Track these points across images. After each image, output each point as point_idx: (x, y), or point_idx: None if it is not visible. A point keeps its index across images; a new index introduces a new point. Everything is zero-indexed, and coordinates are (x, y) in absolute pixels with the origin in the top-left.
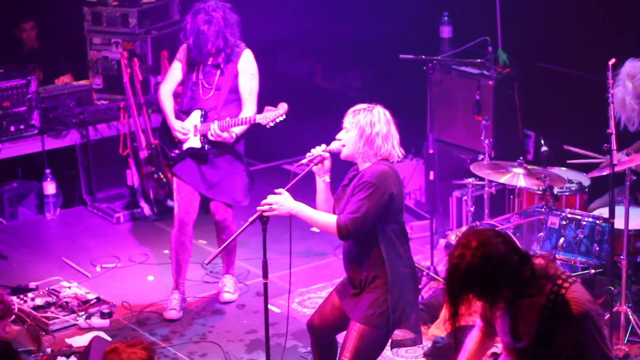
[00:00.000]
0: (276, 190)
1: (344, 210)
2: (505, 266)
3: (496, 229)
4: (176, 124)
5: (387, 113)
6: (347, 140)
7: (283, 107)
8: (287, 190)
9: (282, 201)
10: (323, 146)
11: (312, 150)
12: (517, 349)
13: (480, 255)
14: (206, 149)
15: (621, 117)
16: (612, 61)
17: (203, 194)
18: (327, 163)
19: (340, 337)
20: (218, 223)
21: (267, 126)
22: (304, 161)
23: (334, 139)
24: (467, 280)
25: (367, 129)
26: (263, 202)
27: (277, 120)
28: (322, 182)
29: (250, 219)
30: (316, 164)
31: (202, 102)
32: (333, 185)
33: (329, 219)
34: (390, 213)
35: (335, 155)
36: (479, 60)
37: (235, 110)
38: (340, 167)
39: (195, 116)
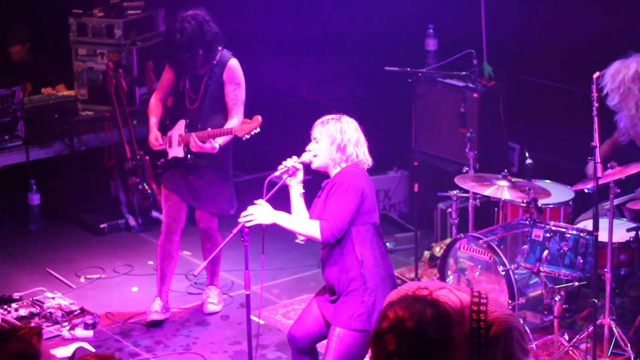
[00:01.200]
0: (255, 202)
1: (321, 215)
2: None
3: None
4: (151, 134)
5: (355, 122)
6: (318, 150)
7: (257, 119)
8: (266, 201)
9: (260, 210)
10: (295, 158)
11: (285, 163)
12: None
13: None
14: (189, 158)
15: (605, 87)
16: (596, 74)
17: (188, 202)
18: (300, 174)
19: (321, 347)
20: (203, 231)
21: (243, 138)
22: (276, 173)
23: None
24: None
25: (338, 137)
26: (244, 213)
27: (252, 133)
28: (297, 193)
29: (234, 231)
30: (290, 175)
31: (188, 112)
32: (308, 199)
33: (312, 224)
34: (363, 213)
35: (309, 169)
36: (464, 72)
37: (221, 121)
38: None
39: (180, 126)
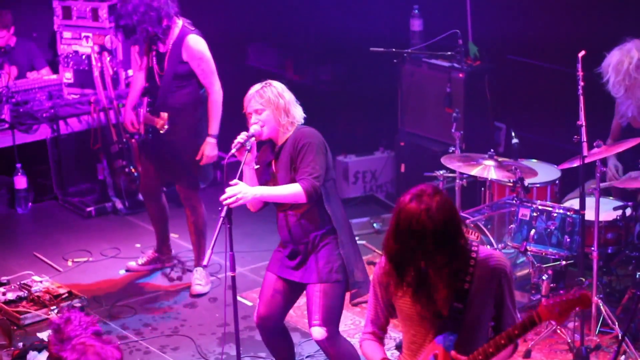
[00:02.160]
0: (231, 182)
1: (286, 180)
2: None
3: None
4: (126, 119)
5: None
6: (265, 120)
7: (163, 117)
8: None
9: (242, 189)
10: (244, 133)
11: (238, 139)
12: (437, 320)
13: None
14: (150, 137)
15: (609, 79)
16: (581, 53)
17: (164, 177)
18: (254, 149)
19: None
20: (184, 203)
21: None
22: (233, 151)
23: (308, 131)
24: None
25: (280, 101)
26: (224, 196)
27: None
28: (251, 170)
29: (222, 215)
30: (248, 150)
31: (155, 89)
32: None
33: (294, 189)
34: (327, 169)
35: None
36: (449, 53)
37: (183, 97)
38: None
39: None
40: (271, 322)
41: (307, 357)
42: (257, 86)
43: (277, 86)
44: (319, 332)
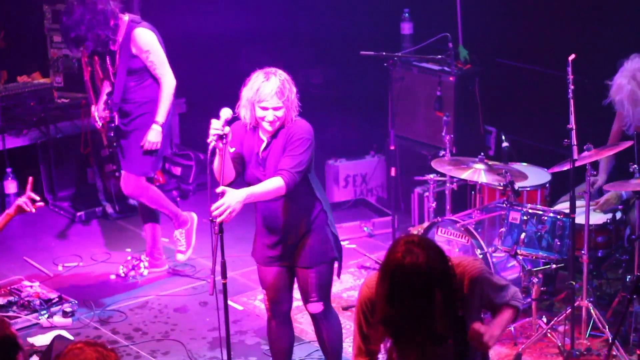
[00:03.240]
0: (217, 191)
1: (276, 167)
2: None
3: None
4: (95, 114)
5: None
6: (280, 117)
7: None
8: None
9: (231, 200)
10: (218, 122)
11: (214, 129)
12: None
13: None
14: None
15: (628, 110)
16: (572, 57)
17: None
18: (230, 134)
19: None
20: (129, 197)
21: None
22: (213, 143)
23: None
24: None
25: (295, 99)
26: (215, 211)
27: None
28: (228, 151)
29: (216, 230)
30: (226, 142)
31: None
32: None
33: (275, 184)
34: (311, 161)
35: None
36: (439, 56)
37: (145, 91)
38: None
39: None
40: (284, 305)
41: None
42: (274, 80)
43: (288, 80)
44: (316, 307)
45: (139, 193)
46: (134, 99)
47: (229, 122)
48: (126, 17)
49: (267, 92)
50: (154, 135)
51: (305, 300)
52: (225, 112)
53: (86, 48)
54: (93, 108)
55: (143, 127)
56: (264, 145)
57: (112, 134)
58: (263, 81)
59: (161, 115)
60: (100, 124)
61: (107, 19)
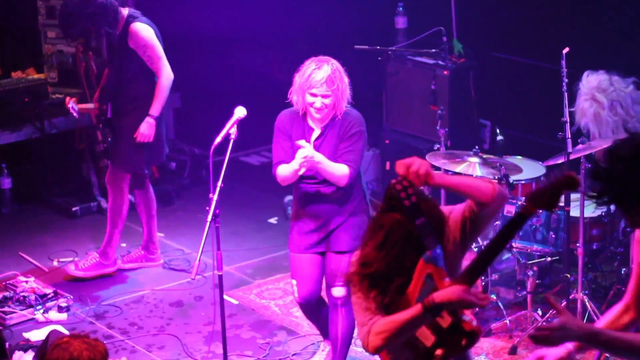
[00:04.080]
0: (300, 142)
1: (330, 158)
2: None
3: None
4: (70, 105)
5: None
6: (328, 105)
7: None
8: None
9: (311, 152)
10: (308, 147)
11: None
12: None
13: None
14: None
15: (594, 133)
16: (565, 50)
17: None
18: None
19: None
20: (109, 185)
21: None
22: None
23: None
24: None
25: (346, 90)
26: (303, 152)
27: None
28: None
29: (208, 220)
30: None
31: (110, 82)
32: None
33: (343, 171)
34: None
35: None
36: (434, 50)
37: (133, 87)
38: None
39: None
40: (314, 298)
41: (293, 354)
42: (326, 69)
43: (341, 70)
44: (340, 291)
45: (114, 188)
46: (128, 93)
47: (239, 121)
48: (125, 11)
49: (318, 79)
50: (146, 128)
51: (331, 284)
52: (239, 111)
53: (83, 41)
54: (68, 100)
55: (134, 123)
56: (315, 134)
57: (102, 127)
58: (314, 69)
59: (155, 108)
60: (78, 117)
61: (107, 12)
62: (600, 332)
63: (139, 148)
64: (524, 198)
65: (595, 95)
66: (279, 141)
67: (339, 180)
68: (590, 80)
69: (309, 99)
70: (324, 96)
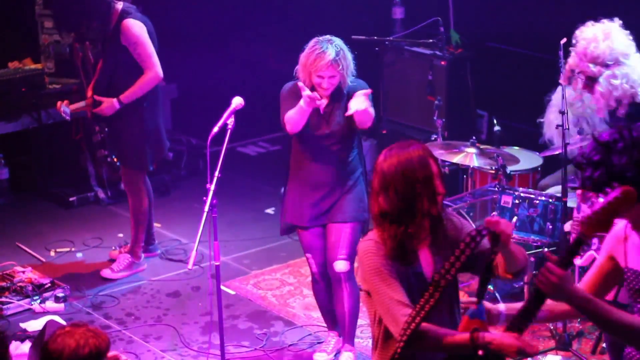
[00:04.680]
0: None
1: (339, 123)
2: None
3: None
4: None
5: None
6: (334, 84)
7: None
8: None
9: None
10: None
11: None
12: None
13: None
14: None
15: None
16: (563, 40)
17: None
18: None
19: None
20: (125, 187)
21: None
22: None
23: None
24: None
25: (350, 66)
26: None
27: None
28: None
29: (206, 209)
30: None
31: (101, 76)
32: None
33: (372, 113)
34: None
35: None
36: (431, 40)
37: (124, 83)
38: None
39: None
40: (326, 268)
41: (290, 345)
42: (330, 51)
43: (344, 48)
44: (344, 264)
45: (132, 189)
46: (119, 89)
47: (236, 112)
48: (120, 5)
49: (323, 63)
50: (107, 106)
51: (333, 257)
52: (237, 101)
53: (77, 35)
54: (59, 104)
55: (131, 122)
56: (325, 101)
57: (98, 119)
58: (319, 52)
59: (127, 96)
60: (69, 119)
61: (100, 6)
62: (591, 300)
63: (140, 145)
64: (582, 232)
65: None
66: (286, 102)
67: (368, 120)
68: (558, 92)
69: (316, 79)
70: (330, 77)
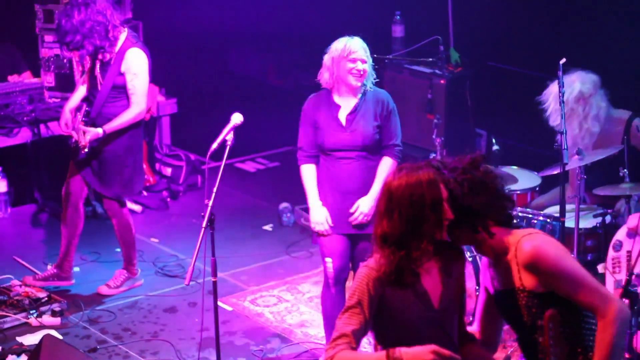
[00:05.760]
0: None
1: (365, 133)
2: None
3: None
4: (62, 118)
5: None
6: (366, 70)
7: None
8: None
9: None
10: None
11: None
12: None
13: None
14: (84, 151)
15: (548, 107)
16: (562, 60)
17: (93, 187)
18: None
19: None
20: (109, 215)
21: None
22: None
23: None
24: None
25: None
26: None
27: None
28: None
29: (204, 225)
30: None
31: (94, 98)
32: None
33: (390, 166)
34: None
35: None
36: (430, 59)
37: (117, 108)
38: None
39: (81, 112)
40: (345, 274)
41: None
42: (358, 39)
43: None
44: None
45: (119, 215)
46: (107, 114)
47: (236, 128)
48: (124, 33)
49: (355, 44)
50: (90, 133)
51: (361, 260)
52: (236, 118)
53: (80, 55)
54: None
55: (113, 150)
56: (345, 110)
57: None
58: (348, 40)
59: (111, 126)
60: (63, 126)
61: (107, 31)
62: None
63: (117, 175)
64: (519, 208)
65: (573, 81)
66: (303, 126)
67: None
68: (580, 72)
69: (349, 65)
70: (362, 61)
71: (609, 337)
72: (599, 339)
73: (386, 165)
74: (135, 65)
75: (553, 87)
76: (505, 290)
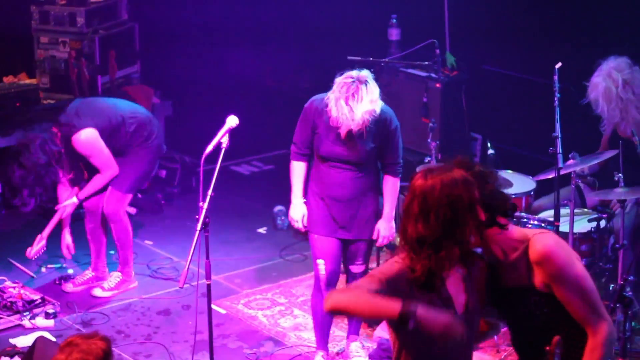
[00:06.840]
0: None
1: (363, 150)
2: None
3: None
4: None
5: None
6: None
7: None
8: None
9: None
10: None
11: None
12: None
13: None
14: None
15: (603, 109)
16: (558, 65)
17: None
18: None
19: None
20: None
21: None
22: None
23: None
24: None
25: (375, 98)
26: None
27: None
28: None
29: (198, 228)
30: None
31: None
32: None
33: (396, 186)
34: None
35: None
36: (426, 62)
37: (79, 173)
38: None
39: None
40: (337, 276)
41: None
42: (365, 100)
43: (372, 83)
44: (360, 268)
45: (115, 221)
46: (68, 180)
47: (232, 130)
48: (56, 128)
49: (357, 117)
50: (69, 206)
51: (352, 264)
52: (231, 120)
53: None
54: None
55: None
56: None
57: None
58: (354, 102)
59: (84, 193)
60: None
61: (38, 160)
62: None
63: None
64: None
65: (611, 72)
66: (302, 124)
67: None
68: (611, 61)
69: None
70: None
71: (597, 358)
72: (588, 358)
73: (391, 185)
74: (85, 149)
75: (596, 88)
76: (511, 288)
